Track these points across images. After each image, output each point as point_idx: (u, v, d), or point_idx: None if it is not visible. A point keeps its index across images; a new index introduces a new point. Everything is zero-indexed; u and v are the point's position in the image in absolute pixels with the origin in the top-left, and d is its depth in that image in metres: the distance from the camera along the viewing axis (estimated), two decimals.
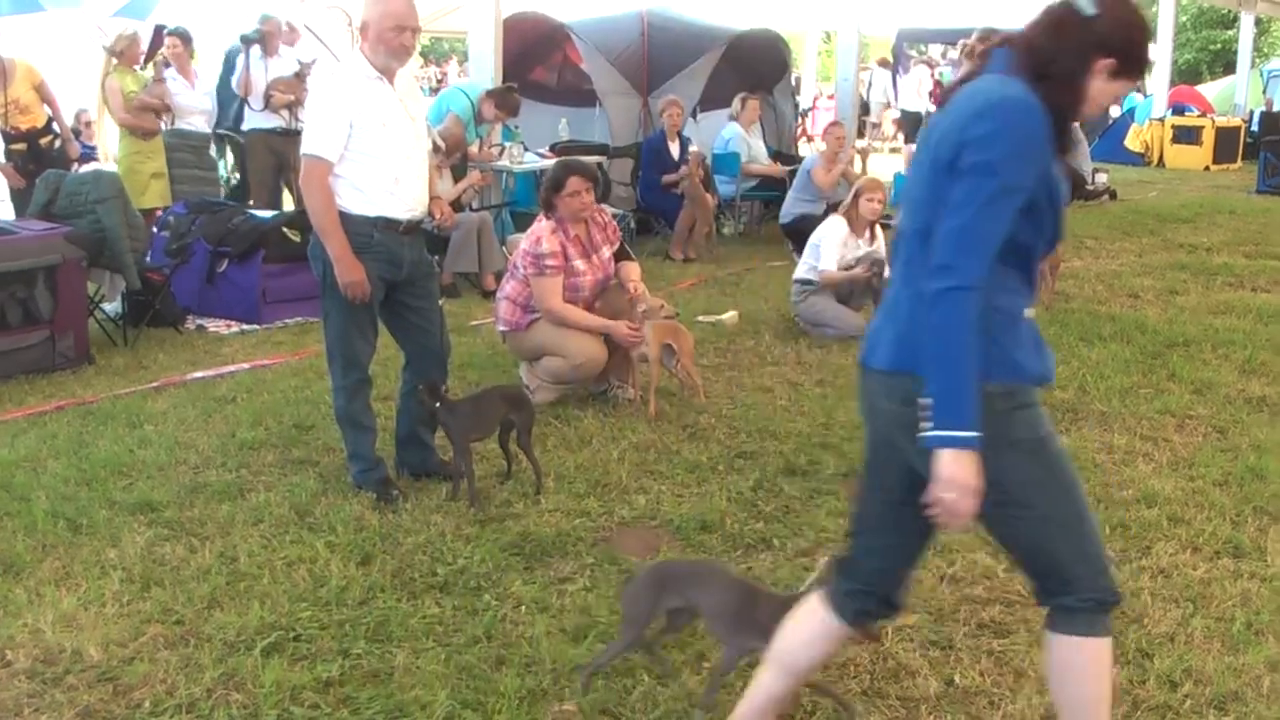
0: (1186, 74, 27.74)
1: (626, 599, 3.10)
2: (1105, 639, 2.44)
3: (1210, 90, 27.31)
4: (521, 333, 5.89)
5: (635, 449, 5.14)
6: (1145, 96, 23.16)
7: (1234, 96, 25.71)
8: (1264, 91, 25.57)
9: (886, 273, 7.37)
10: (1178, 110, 23.02)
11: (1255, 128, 21.88)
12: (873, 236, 7.62)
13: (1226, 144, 21.07)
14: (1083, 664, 2.45)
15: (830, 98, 18.70)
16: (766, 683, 2.72)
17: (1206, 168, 20.35)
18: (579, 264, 5.80)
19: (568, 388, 5.88)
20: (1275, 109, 23.70)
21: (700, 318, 7.20)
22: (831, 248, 7.45)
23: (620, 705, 3.08)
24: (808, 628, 2.66)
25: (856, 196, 7.56)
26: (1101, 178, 15.79)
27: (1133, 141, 21.36)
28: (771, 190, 11.44)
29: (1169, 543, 4.18)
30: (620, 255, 6.02)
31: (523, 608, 3.63)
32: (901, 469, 2.43)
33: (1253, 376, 6.45)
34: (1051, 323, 7.72)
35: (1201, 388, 6.20)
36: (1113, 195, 15.35)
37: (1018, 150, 2.25)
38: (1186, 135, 21.10)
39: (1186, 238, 11.82)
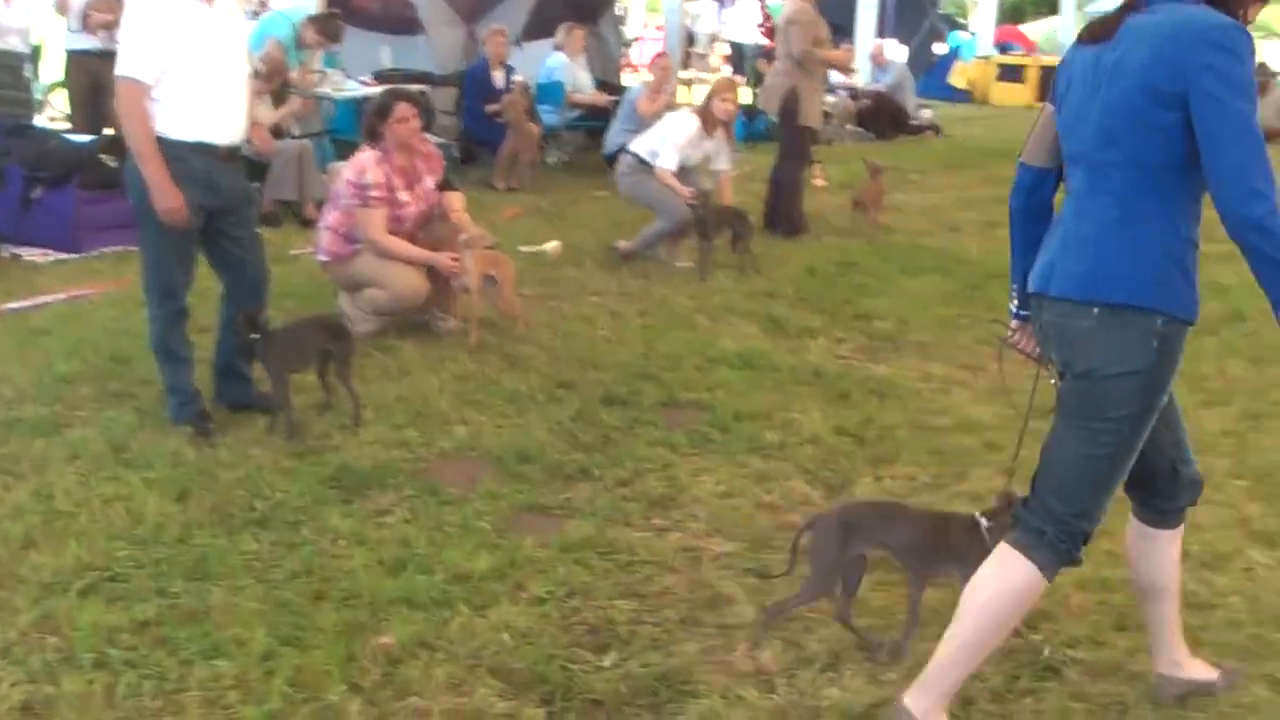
0: (1011, 13, 28.64)
1: (814, 548, 3.07)
2: (1047, 580, 2.62)
3: (1034, 29, 28.27)
4: (343, 263, 5.79)
5: (455, 379, 5.13)
6: (971, 34, 23.86)
7: (1058, 36, 26.68)
8: None
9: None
10: (1002, 49, 23.79)
11: None
12: (729, 136, 7.64)
13: (1050, 82, 21.85)
14: (1016, 586, 2.62)
15: (659, 28, 18.69)
16: (1152, 611, 2.89)
17: (1030, 105, 21.11)
18: (402, 195, 5.74)
19: (388, 319, 5.82)
20: None
21: (522, 248, 7.20)
22: (677, 144, 7.46)
23: (438, 637, 3.10)
24: (1148, 549, 2.85)
25: (710, 96, 7.60)
26: (926, 113, 16.26)
27: (958, 79, 22.01)
28: (596, 120, 11.42)
29: (986, 468, 4.35)
30: (444, 185, 5.96)
31: (341, 541, 3.62)
32: None
33: None
34: (873, 254, 7.97)
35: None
36: (937, 131, 15.81)
37: (1251, 73, 2.36)
38: (1011, 73, 21.84)
39: (1009, 172, 12.15)
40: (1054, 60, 22.63)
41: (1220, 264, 7.62)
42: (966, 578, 2.72)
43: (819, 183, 9.46)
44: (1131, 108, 2.43)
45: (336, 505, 3.86)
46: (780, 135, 8.87)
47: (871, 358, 5.75)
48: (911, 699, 2.69)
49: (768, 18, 18.05)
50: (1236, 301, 6.80)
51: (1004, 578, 2.62)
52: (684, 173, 7.56)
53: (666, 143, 7.49)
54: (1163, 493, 2.81)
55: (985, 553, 2.75)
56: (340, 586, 3.32)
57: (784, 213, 8.65)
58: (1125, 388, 2.48)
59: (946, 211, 9.86)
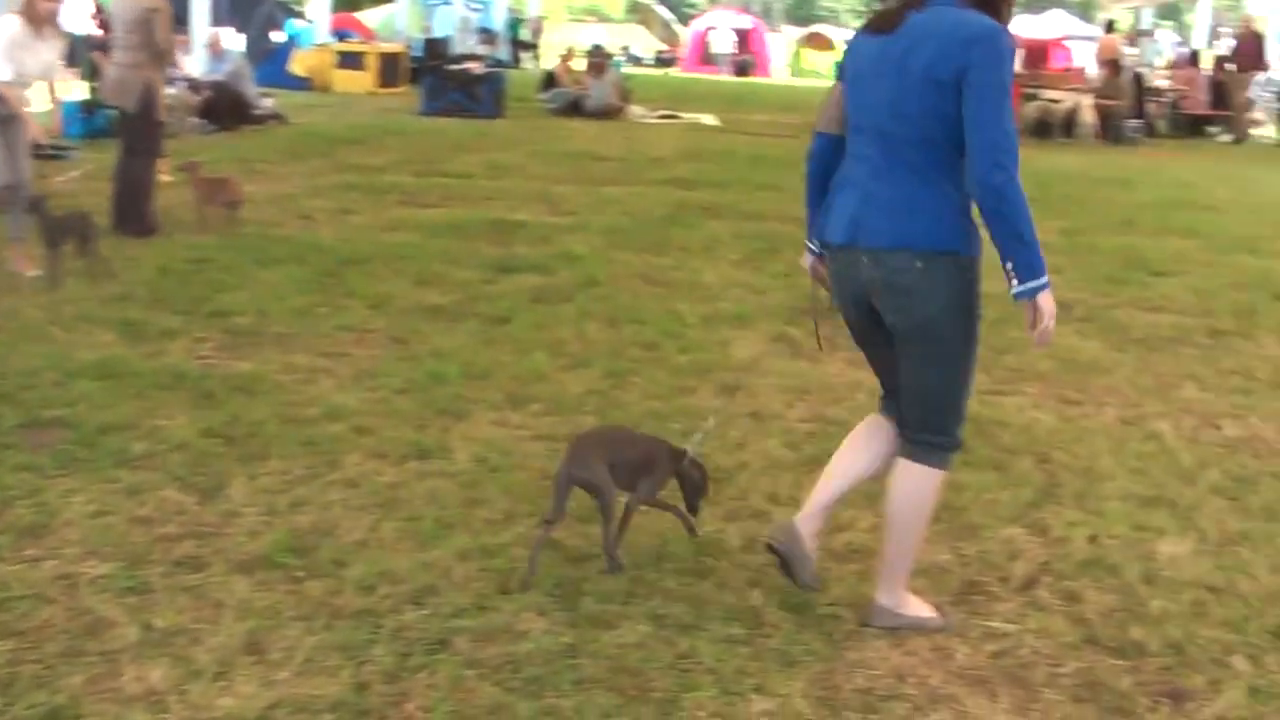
0: (347, 1, 29.03)
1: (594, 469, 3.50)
2: (945, 472, 3.33)
3: (371, 17, 28.87)
4: None
5: None
6: (308, 22, 23.86)
7: (395, 23, 27.47)
8: (424, 20, 27.62)
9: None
10: (340, 36, 24.04)
11: (418, 54, 23.52)
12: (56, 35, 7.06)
13: (390, 69, 22.46)
14: (925, 490, 3.30)
15: None
16: (835, 493, 3.43)
17: (373, 92, 21.53)
18: None
19: None
20: (435, 35, 25.67)
21: None
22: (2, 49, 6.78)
23: None
24: (868, 443, 3.44)
25: None
26: (268, 102, 16.04)
27: (297, 67, 21.92)
28: None
29: (357, 453, 4.43)
30: None
31: None
32: (876, 320, 3.25)
33: (427, 287, 7.02)
34: (226, 249, 7.76)
35: (379, 302, 6.62)
36: (281, 119, 15.67)
37: (1010, 68, 3.01)
38: (351, 61, 22.13)
39: (357, 159, 12.47)
40: (394, 47, 23.45)
41: (570, 235, 8.46)
42: (649, 494, 3.60)
43: (166, 178, 9.02)
44: (921, 95, 3.05)
45: None
46: (127, 130, 8.38)
47: (234, 354, 5.62)
48: (883, 597, 3.39)
49: (100, 9, 16.88)
50: (590, 268, 7.48)
51: (918, 488, 3.30)
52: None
53: None
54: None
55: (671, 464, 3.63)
56: None
57: (133, 212, 8.17)
58: (954, 317, 3.15)
59: (297, 200, 9.82)
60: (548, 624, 3.28)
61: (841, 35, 42.20)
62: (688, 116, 19.34)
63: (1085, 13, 46.95)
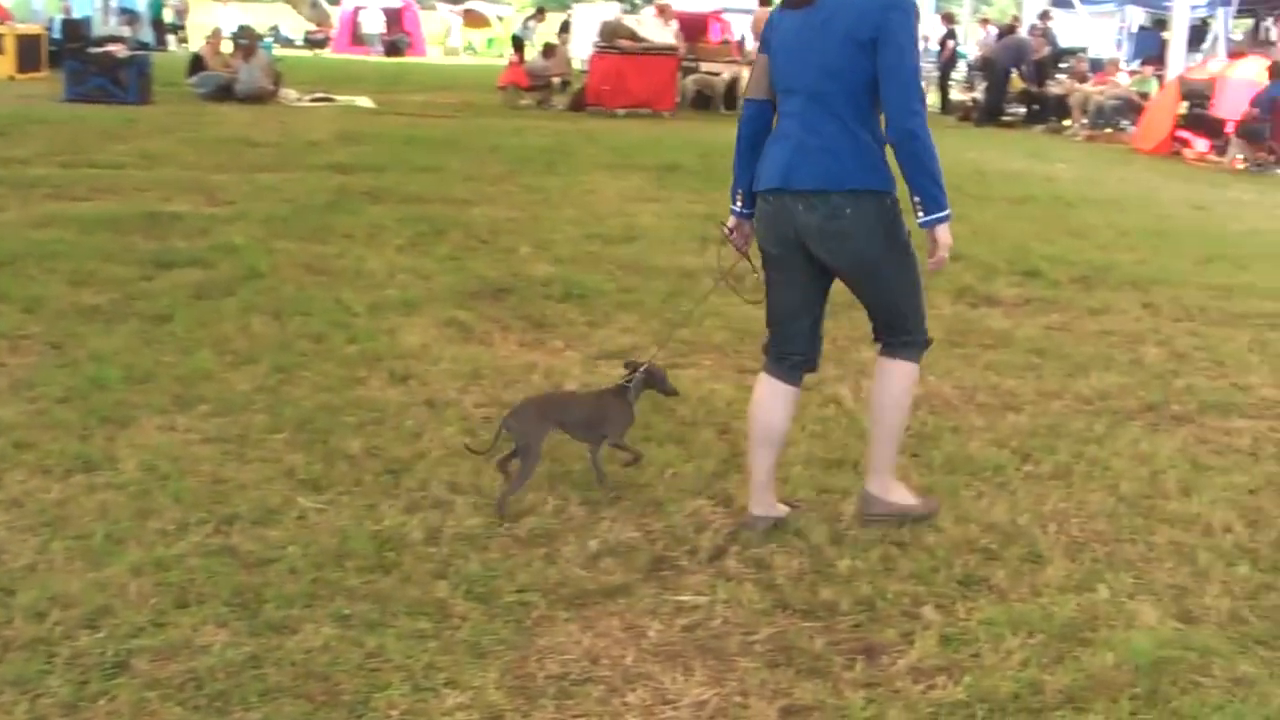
0: None
1: (520, 431, 3.99)
2: (919, 365, 3.93)
3: None
4: None
5: None
6: None
7: (30, 4, 25.56)
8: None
9: None
10: None
11: (58, 35, 22.01)
12: None
13: (29, 52, 20.91)
14: (905, 384, 3.92)
15: None
16: (766, 458, 3.92)
17: (12, 77, 20.02)
18: None
19: None
20: (74, 16, 24.06)
21: None
22: None
23: None
24: (779, 403, 3.94)
25: None
26: None
27: None
28: None
29: (19, 470, 4.12)
30: None
31: None
32: (809, 262, 3.77)
33: (83, 287, 6.57)
34: None
35: (31, 304, 6.15)
36: None
37: (916, 29, 3.63)
38: None
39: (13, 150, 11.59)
40: (32, 29, 21.78)
41: (229, 225, 8.11)
42: (618, 435, 4.16)
43: None
44: (845, 54, 3.59)
45: None
46: None
47: None
48: (872, 485, 3.97)
49: None
50: (251, 260, 7.18)
51: (901, 382, 3.91)
52: None
53: None
54: (802, 351, 3.94)
55: (630, 410, 4.17)
56: None
57: None
58: (890, 246, 3.72)
59: None
60: (229, 635, 3.13)
61: (497, 12, 42.50)
62: (342, 99, 19.03)
63: None
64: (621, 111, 18.46)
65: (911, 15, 3.61)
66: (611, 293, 6.98)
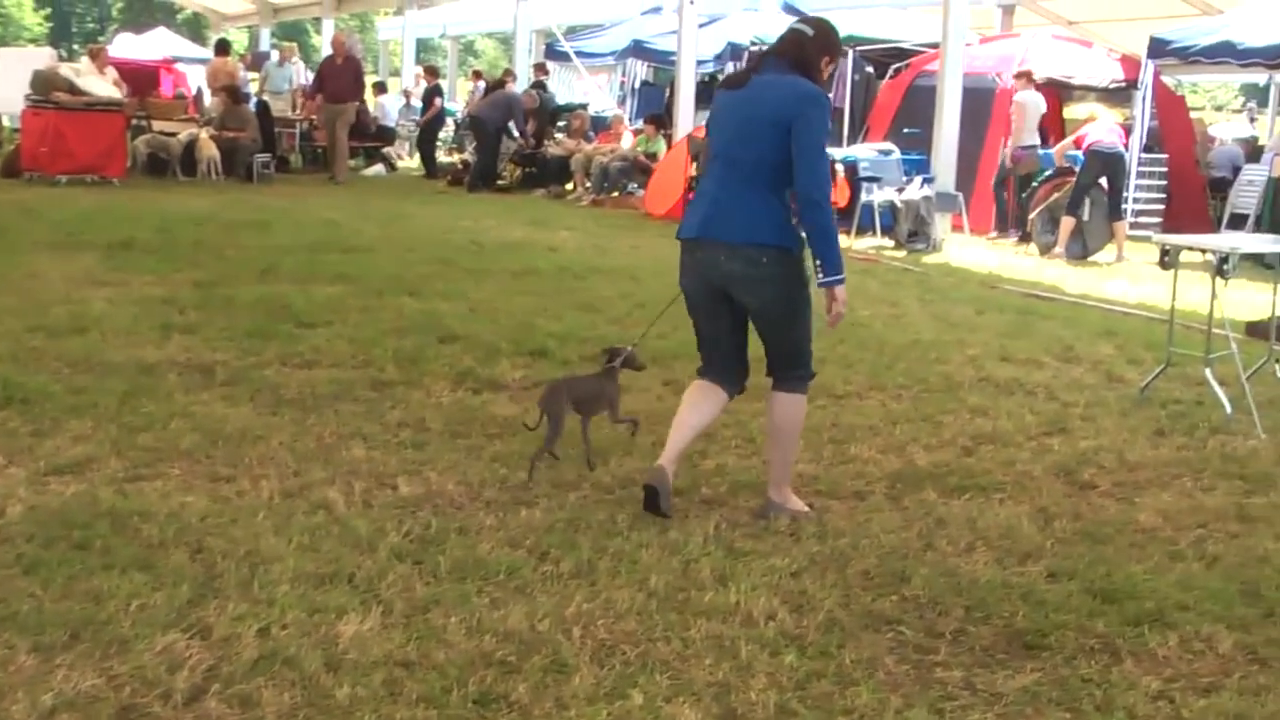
0: None
1: (550, 406, 5.83)
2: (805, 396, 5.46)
3: None
4: None
5: None
6: None
7: None
8: None
9: None
10: None
11: None
12: None
13: None
14: (797, 412, 5.44)
15: None
16: (683, 439, 5.43)
17: None
18: None
19: None
20: None
21: None
22: None
23: None
24: (710, 397, 5.49)
25: None
26: None
27: None
28: None
29: None
30: None
31: None
32: (729, 301, 5.30)
33: None
34: None
35: None
36: None
37: (827, 119, 5.19)
38: None
39: None
40: None
41: None
42: (617, 411, 6.09)
43: None
44: (764, 131, 5.11)
45: None
46: None
47: None
48: (774, 495, 5.42)
49: None
50: None
51: (793, 411, 5.42)
52: None
53: None
54: (733, 368, 5.48)
55: (616, 386, 6.07)
56: None
57: None
58: (794, 294, 5.23)
59: None
60: None
61: None
62: None
63: (195, 32, 48.21)
64: (64, 178, 17.57)
65: (825, 108, 5.18)
66: (59, 395, 6.71)
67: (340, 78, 20.97)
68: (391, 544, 4.88)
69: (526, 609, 4.33)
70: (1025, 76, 17.51)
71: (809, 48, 5.31)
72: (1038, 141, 17.48)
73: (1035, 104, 17.26)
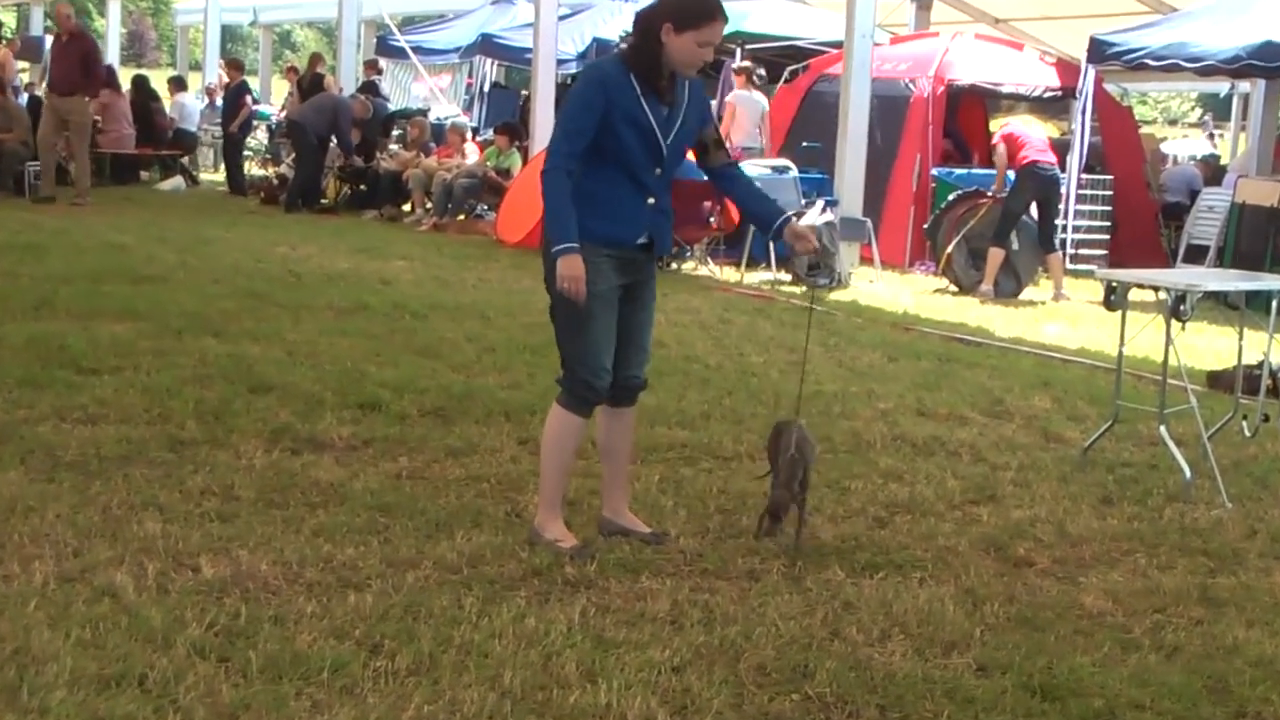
0: None
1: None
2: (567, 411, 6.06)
3: None
4: None
5: None
6: None
7: None
8: None
9: None
10: None
11: None
12: None
13: None
14: (554, 425, 6.09)
15: None
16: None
17: None
18: None
19: None
20: None
21: None
22: None
23: None
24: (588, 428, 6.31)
25: None
26: None
27: None
28: None
29: None
30: None
31: None
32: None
33: None
34: None
35: None
36: None
37: (578, 101, 5.93)
38: None
39: None
40: None
41: None
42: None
43: None
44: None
45: None
46: None
47: None
48: (537, 517, 6.09)
49: None
50: None
51: (550, 424, 6.12)
52: None
53: None
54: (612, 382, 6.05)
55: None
56: None
57: None
58: (550, 284, 5.87)
59: None
60: None
61: None
62: None
63: None
64: None
65: (586, 79, 6.05)
66: None
67: (64, 60, 19.61)
68: (192, 638, 4.81)
69: (355, 713, 4.31)
70: (744, 74, 18.37)
71: (648, 16, 5.87)
72: (758, 145, 18.30)
73: (755, 104, 18.48)
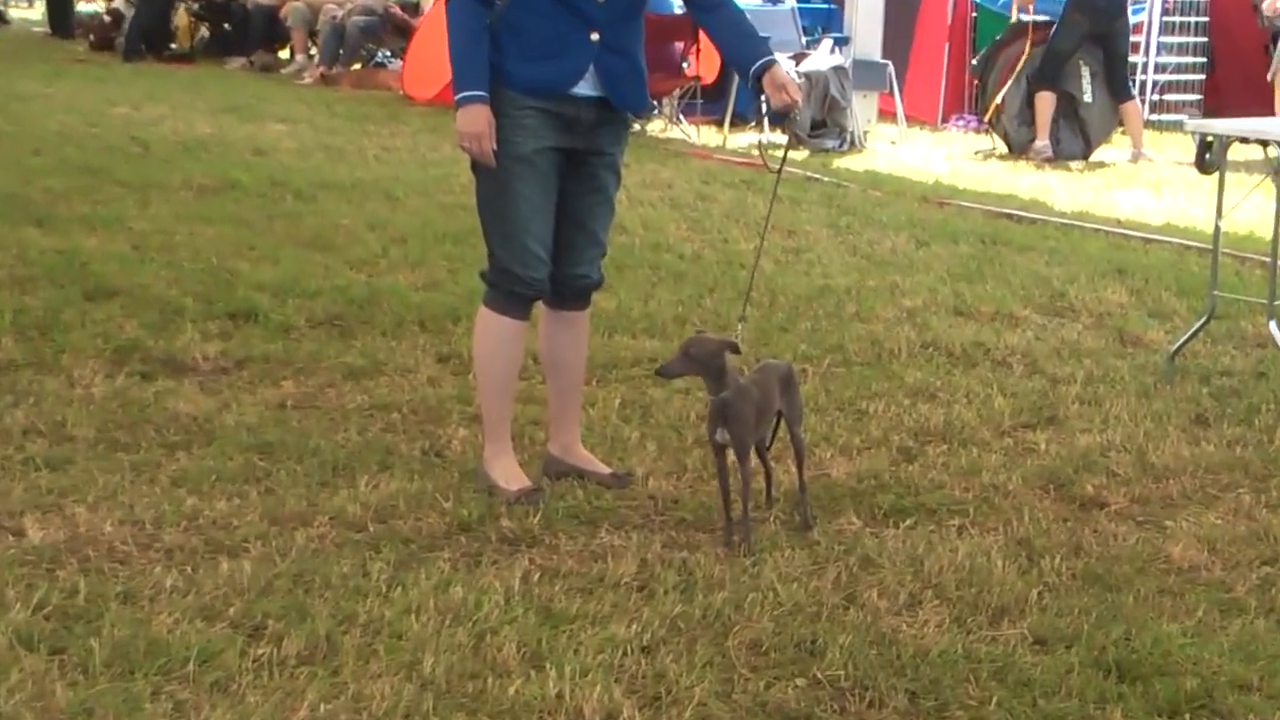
0: None
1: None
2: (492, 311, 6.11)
3: None
4: None
5: None
6: None
7: None
8: None
9: None
10: None
11: None
12: None
13: None
14: (480, 329, 6.19)
15: None
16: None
17: None
18: None
19: None
20: None
21: None
22: None
23: None
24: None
25: None
26: None
27: None
28: None
29: None
30: None
31: None
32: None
33: None
34: None
35: None
36: None
37: None
38: None
39: None
40: None
41: None
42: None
43: None
44: None
45: None
46: None
47: None
48: (485, 448, 6.25)
49: None
50: None
51: (476, 328, 6.25)
52: None
53: None
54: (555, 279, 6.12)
55: None
56: None
57: None
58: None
59: None
60: None
61: None
62: None
63: None
64: None
65: None
66: None
67: None
68: (15, 623, 4.79)
69: (231, 715, 4.30)
70: None
71: None
72: None
73: None
